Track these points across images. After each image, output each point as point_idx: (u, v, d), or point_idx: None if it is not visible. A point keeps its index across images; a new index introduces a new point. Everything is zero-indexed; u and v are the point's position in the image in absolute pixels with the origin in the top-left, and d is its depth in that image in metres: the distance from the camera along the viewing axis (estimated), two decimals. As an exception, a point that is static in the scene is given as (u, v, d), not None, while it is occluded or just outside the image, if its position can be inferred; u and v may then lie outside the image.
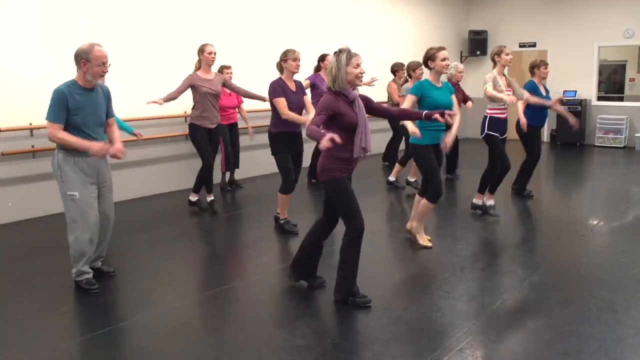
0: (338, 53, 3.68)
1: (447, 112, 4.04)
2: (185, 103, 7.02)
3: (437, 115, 3.97)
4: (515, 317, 3.70)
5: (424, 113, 4.08)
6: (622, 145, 11.63)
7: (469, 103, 8.14)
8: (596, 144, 11.89)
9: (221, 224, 6.21)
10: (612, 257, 4.85)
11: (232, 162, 7.63)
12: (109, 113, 4.16)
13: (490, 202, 6.22)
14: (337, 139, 3.31)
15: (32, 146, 6.17)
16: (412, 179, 7.59)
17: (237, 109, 7.64)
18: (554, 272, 4.53)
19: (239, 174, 8.05)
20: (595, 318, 3.60)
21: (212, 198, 6.51)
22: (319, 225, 4.00)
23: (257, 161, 8.53)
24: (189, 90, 6.25)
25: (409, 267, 4.72)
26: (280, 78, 5.39)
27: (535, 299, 3.96)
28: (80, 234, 4.02)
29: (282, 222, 5.64)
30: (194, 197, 6.60)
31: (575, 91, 11.92)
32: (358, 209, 3.73)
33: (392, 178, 7.77)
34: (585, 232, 5.61)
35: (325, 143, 3.29)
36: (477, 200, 6.26)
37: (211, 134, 6.35)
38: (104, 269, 4.40)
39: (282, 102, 5.24)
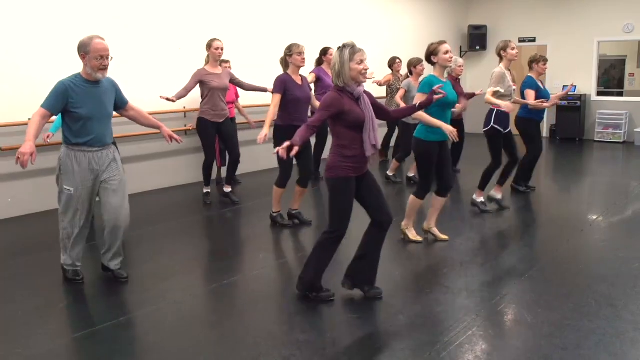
0: (342, 48, 3.57)
1: (436, 88, 4.08)
2: (185, 99, 7.01)
3: (432, 97, 4.04)
4: (515, 312, 3.71)
5: (417, 104, 4.10)
6: (621, 141, 11.63)
7: (464, 102, 7.79)
8: (595, 139, 11.89)
9: (220, 219, 6.21)
10: (611, 252, 4.86)
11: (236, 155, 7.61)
12: (121, 103, 4.15)
13: (498, 195, 6.27)
14: (293, 152, 3.38)
15: (31, 142, 6.16)
16: (411, 174, 7.59)
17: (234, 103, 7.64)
18: (553, 267, 4.53)
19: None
20: (595, 313, 3.61)
21: (229, 190, 6.80)
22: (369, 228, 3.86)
23: (254, 157, 8.52)
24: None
25: (408, 262, 4.73)
26: (286, 73, 5.41)
27: (534, 294, 3.96)
28: (67, 226, 4.03)
29: (274, 215, 5.69)
30: (205, 189, 6.77)
31: (575, 86, 11.91)
32: (348, 215, 3.66)
33: (390, 173, 7.79)
34: (585, 227, 5.62)
35: (281, 151, 3.38)
36: (477, 197, 6.22)
37: (221, 127, 6.47)
38: (117, 273, 4.23)
39: (276, 99, 5.34)
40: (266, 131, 5.19)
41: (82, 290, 4.11)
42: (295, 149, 3.40)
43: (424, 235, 5.19)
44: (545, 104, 6.40)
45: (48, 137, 5.51)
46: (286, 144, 3.41)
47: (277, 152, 3.41)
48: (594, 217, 5.97)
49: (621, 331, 3.36)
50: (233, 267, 4.69)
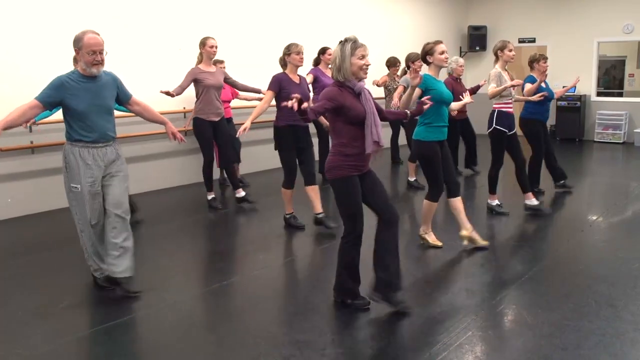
0: (343, 42, 3.52)
1: (424, 100, 4.17)
2: (184, 99, 7.02)
3: (422, 107, 4.12)
4: (514, 312, 3.71)
5: (409, 112, 4.05)
6: (621, 141, 11.63)
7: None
8: (595, 140, 11.89)
9: (221, 219, 6.20)
10: (611, 252, 4.86)
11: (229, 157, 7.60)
12: (124, 97, 4.08)
13: (534, 202, 6.06)
14: (304, 105, 3.24)
15: (31, 142, 6.16)
16: (412, 179, 7.53)
17: (232, 102, 7.63)
18: (553, 267, 4.53)
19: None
20: (594, 313, 3.61)
21: (242, 194, 6.52)
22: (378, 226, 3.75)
23: (254, 157, 8.52)
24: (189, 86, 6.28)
25: (408, 263, 4.72)
26: (284, 72, 5.39)
27: (534, 294, 3.96)
28: (82, 229, 3.94)
29: (287, 216, 5.64)
30: (209, 196, 6.55)
31: (575, 87, 11.92)
32: (360, 213, 3.58)
33: (411, 178, 7.53)
34: (585, 228, 5.62)
35: (290, 102, 3.17)
36: (491, 201, 6.17)
37: (217, 126, 6.38)
38: (126, 288, 4.01)
39: (268, 95, 5.32)
40: (248, 124, 5.06)
41: (82, 291, 4.11)
42: (305, 105, 3.26)
43: (421, 242, 5.08)
44: (535, 98, 6.42)
45: (28, 122, 5.27)
46: (296, 96, 3.22)
47: (288, 105, 3.22)
48: (594, 217, 5.97)
49: (621, 331, 3.36)
50: (233, 268, 4.69)
